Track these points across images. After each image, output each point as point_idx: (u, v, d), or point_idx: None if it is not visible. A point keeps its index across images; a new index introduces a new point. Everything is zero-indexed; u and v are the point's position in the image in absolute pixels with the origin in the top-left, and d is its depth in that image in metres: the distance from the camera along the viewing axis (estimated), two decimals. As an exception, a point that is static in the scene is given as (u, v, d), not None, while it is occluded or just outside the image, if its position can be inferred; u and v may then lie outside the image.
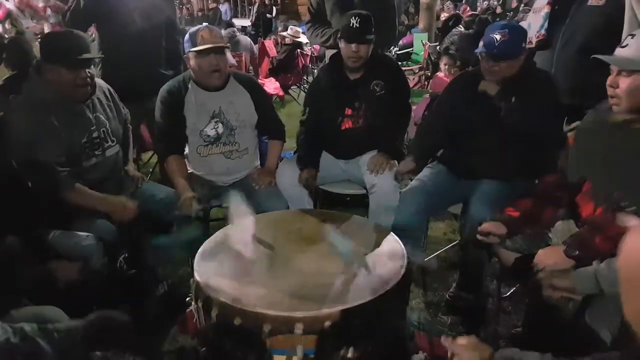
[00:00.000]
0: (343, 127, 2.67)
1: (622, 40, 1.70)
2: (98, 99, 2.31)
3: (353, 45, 2.48)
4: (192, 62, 2.44)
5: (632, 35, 1.65)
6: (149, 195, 2.45)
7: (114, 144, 2.36)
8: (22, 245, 1.77)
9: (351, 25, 2.47)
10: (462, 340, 1.32)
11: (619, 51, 1.68)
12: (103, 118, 2.31)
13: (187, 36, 2.44)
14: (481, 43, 2.25)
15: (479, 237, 1.98)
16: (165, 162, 2.59)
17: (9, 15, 8.47)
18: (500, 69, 2.22)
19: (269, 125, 2.72)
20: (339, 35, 2.60)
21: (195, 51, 2.38)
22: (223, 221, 2.49)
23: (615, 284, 1.43)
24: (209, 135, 2.54)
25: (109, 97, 2.40)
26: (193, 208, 2.30)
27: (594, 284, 1.47)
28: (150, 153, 4.09)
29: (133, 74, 2.86)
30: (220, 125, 2.54)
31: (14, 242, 1.75)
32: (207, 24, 2.65)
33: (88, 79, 2.18)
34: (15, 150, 1.98)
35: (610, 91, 1.69)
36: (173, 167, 2.52)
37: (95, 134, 2.26)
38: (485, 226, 1.96)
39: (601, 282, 1.46)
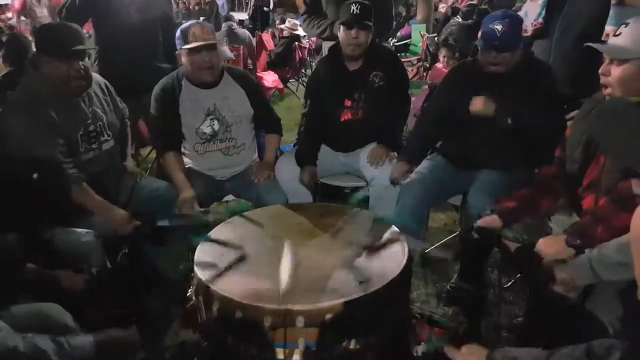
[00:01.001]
0: (342, 119, 2.66)
1: (617, 29, 1.70)
2: (94, 92, 2.31)
3: (353, 31, 2.48)
4: (184, 59, 2.43)
5: (626, 24, 1.66)
6: (148, 191, 2.44)
7: (110, 138, 2.35)
8: (22, 243, 1.77)
9: (351, 11, 2.47)
10: (462, 349, 1.35)
11: (612, 39, 1.69)
12: (99, 112, 2.30)
13: (178, 32, 2.43)
14: (480, 33, 2.23)
15: (475, 235, 1.98)
16: (162, 158, 2.58)
17: (25, 5, 8.33)
18: (504, 59, 2.20)
19: (265, 119, 2.70)
20: (338, 22, 2.59)
21: (187, 48, 2.36)
22: (223, 215, 2.49)
23: (610, 268, 1.43)
24: (205, 133, 2.52)
25: (106, 91, 2.39)
26: (194, 210, 2.30)
27: (590, 272, 1.48)
28: (149, 148, 4.07)
29: (130, 69, 2.85)
30: (216, 122, 2.52)
31: (14, 240, 1.75)
32: (198, 19, 2.64)
33: (82, 71, 2.17)
34: (16, 146, 1.97)
35: (602, 79, 1.70)
36: (170, 163, 2.51)
37: (91, 128, 2.25)
38: (481, 222, 1.96)
39: (595, 269, 1.46)
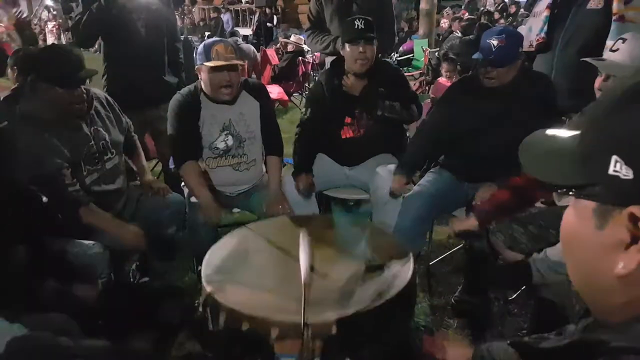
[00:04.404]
0: (343, 137, 2.67)
1: (613, 44, 1.71)
2: (96, 110, 2.25)
3: (360, 47, 2.49)
4: (203, 76, 2.37)
5: (623, 40, 1.66)
6: (155, 203, 2.43)
7: (114, 155, 2.31)
8: (30, 255, 1.78)
9: (356, 26, 2.48)
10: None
11: (609, 55, 1.69)
12: (102, 130, 2.25)
13: (200, 48, 2.37)
14: (479, 47, 2.27)
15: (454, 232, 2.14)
16: (181, 169, 2.47)
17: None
18: (498, 74, 2.23)
19: (269, 136, 2.61)
20: (344, 39, 2.59)
21: (209, 66, 2.31)
22: (230, 227, 2.50)
23: (553, 269, 1.48)
24: (218, 148, 2.49)
25: (107, 107, 2.34)
26: (221, 217, 2.36)
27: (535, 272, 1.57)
28: (154, 162, 4.10)
29: (138, 83, 2.88)
30: (230, 137, 2.49)
31: (22, 252, 1.76)
32: (203, 34, 2.66)
33: (84, 95, 2.13)
34: (20, 169, 1.93)
35: (599, 95, 1.70)
36: (191, 173, 2.43)
37: (94, 149, 2.20)
38: (457, 225, 2.08)
39: (540, 268, 1.58)
